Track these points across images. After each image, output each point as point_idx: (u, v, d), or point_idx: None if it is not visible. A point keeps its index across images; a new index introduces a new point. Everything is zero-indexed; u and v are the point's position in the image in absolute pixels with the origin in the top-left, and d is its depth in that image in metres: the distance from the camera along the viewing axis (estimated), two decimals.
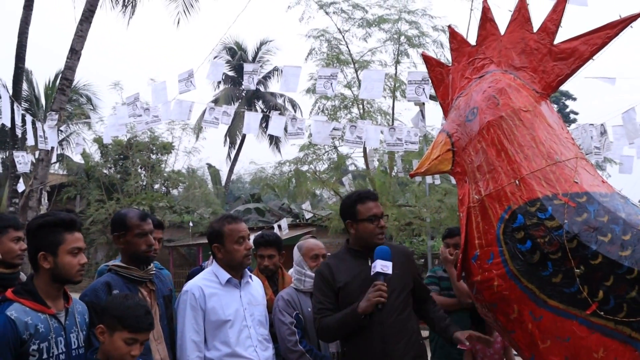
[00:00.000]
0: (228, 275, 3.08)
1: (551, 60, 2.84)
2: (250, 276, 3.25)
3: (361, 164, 16.01)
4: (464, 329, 3.26)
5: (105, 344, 2.36)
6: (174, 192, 22.87)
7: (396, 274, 3.00)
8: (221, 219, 3.19)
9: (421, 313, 3.25)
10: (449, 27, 3.23)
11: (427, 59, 3.32)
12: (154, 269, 2.99)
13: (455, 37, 3.16)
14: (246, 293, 3.13)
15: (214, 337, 2.97)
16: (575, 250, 2.44)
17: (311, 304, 3.31)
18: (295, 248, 3.52)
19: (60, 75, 11.95)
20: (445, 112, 3.15)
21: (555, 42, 2.84)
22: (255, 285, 3.25)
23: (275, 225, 13.64)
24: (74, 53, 10.78)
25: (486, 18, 3.04)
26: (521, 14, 2.94)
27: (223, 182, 29.13)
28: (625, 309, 2.38)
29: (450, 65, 3.18)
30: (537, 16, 2.91)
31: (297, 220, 20.45)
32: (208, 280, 3.10)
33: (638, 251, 2.40)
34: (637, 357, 2.39)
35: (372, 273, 2.91)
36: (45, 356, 2.25)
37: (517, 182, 2.62)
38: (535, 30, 2.90)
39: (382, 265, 2.86)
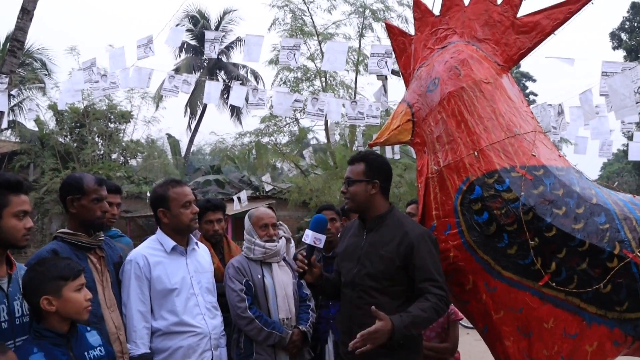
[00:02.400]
0: (173, 243, 3.00)
1: (514, 33, 2.83)
2: (197, 243, 3.18)
3: (322, 137, 16.00)
4: None
5: (58, 311, 2.25)
6: (132, 162, 22.41)
7: (380, 255, 2.73)
8: (164, 184, 3.10)
9: None
10: None
11: (390, 28, 3.27)
12: (102, 235, 2.89)
13: (419, 7, 3.12)
14: (192, 260, 3.06)
15: (160, 307, 2.90)
16: (530, 222, 2.46)
17: (261, 272, 3.31)
18: (246, 216, 3.46)
19: (10, 37, 11.46)
20: (407, 82, 3.11)
21: (518, 15, 2.83)
22: (201, 252, 3.18)
23: (235, 197, 13.51)
24: (26, 13, 10.34)
25: None
26: None
27: (183, 153, 28.70)
28: (576, 280, 2.43)
29: (413, 35, 3.14)
30: None
31: (257, 193, 20.35)
32: (152, 248, 3.00)
33: (590, 224, 2.45)
34: (585, 327, 2.45)
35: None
36: None
37: (475, 153, 2.62)
38: (499, 2, 2.88)
39: (305, 235, 2.80)
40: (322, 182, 13.20)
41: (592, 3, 2.77)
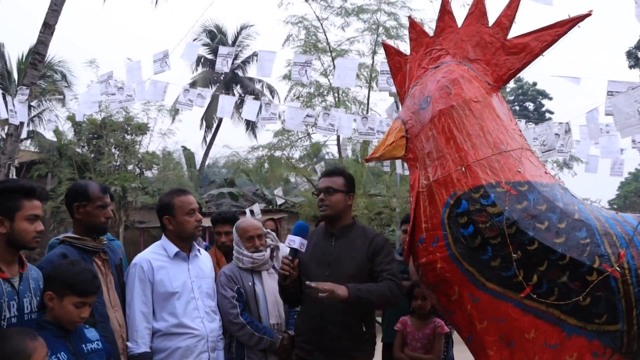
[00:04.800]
0: (176, 249, 3.18)
1: (504, 54, 2.95)
2: (199, 250, 3.35)
3: (336, 152, 16.11)
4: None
5: (54, 309, 2.44)
6: (148, 173, 22.67)
7: (353, 257, 3.09)
8: (170, 193, 3.29)
9: None
10: (409, 17, 3.32)
11: (386, 48, 3.40)
12: (106, 239, 3.05)
13: (414, 28, 3.25)
14: (194, 266, 3.23)
15: (161, 309, 3.07)
16: (513, 236, 2.56)
17: (252, 279, 3.46)
18: (234, 228, 3.60)
19: (32, 50, 11.77)
20: (402, 100, 3.25)
21: (509, 37, 2.95)
22: (203, 259, 3.35)
23: (248, 210, 13.66)
24: (48, 27, 10.64)
25: (445, 10, 3.13)
26: (478, 8, 3.03)
27: (198, 166, 28.97)
28: (556, 292, 2.52)
29: (408, 54, 3.27)
30: (493, 11, 3.02)
31: (270, 207, 20.49)
32: (156, 253, 3.19)
33: (571, 239, 2.54)
34: (565, 338, 2.53)
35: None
36: None
37: (463, 169, 2.73)
38: (490, 24, 3.00)
39: (289, 241, 2.98)
40: None
41: (579, 27, 2.87)
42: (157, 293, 3.07)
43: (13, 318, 2.37)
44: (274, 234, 3.79)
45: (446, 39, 3.12)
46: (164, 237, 3.25)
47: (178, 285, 3.10)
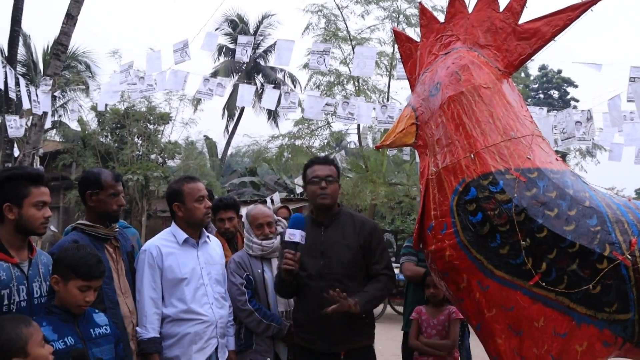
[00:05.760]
0: (185, 235, 3.21)
1: (515, 39, 2.90)
2: (208, 236, 3.37)
3: (357, 141, 16.06)
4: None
5: (60, 292, 2.48)
6: (170, 163, 22.86)
7: (346, 244, 3.12)
8: (180, 180, 3.33)
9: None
10: (420, 3, 3.28)
11: (397, 34, 3.38)
12: (117, 226, 3.09)
13: (425, 14, 3.22)
14: (203, 252, 3.26)
15: (171, 295, 3.11)
16: (522, 223, 2.53)
17: (261, 266, 3.50)
18: (244, 215, 3.63)
19: (55, 41, 11.93)
20: (412, 87, 3.22)
21: (520, 22, 2.90)
22: (213, 245, 3.38)
23: (268, 199, 13.73)
24: (70, 18, 10.73)
25: None
26: None
27: (220, 155, 29.14)
28: (566, 280, 2.48)
29: (419, 41, 3.24)
30: None
31: (292, 196, 20.55)
32: (166, 240, 3.23)
33: (581, 226, 2.50)
34: (574, 327, 2.50)
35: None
36: (6, 302, 2.35)
37: (472, 155, 2.70)
38: (501, 9, 2.95)
39: (290, 234, 2.98)
40: (353, 185, 13.30)
41: (592, 10, 2.82)
42: (166, 279, 3.11)
43: (23, 302, 2.42)
44: (285, 222, 3.80)
45: (457, 25, 3.08)
46: (173, 223, 3.29)
47: (187, 271, 3.14)
